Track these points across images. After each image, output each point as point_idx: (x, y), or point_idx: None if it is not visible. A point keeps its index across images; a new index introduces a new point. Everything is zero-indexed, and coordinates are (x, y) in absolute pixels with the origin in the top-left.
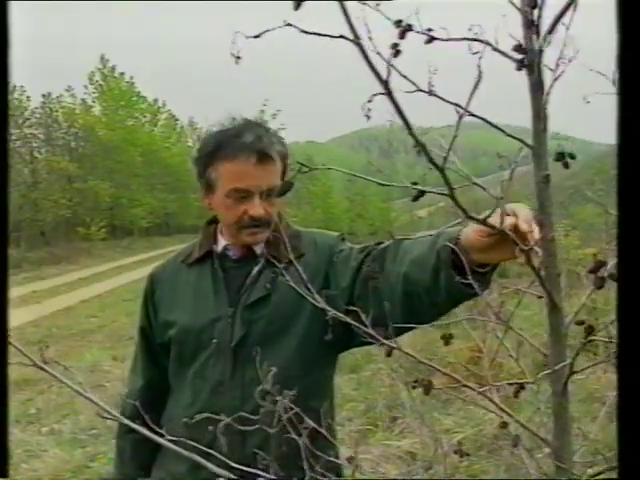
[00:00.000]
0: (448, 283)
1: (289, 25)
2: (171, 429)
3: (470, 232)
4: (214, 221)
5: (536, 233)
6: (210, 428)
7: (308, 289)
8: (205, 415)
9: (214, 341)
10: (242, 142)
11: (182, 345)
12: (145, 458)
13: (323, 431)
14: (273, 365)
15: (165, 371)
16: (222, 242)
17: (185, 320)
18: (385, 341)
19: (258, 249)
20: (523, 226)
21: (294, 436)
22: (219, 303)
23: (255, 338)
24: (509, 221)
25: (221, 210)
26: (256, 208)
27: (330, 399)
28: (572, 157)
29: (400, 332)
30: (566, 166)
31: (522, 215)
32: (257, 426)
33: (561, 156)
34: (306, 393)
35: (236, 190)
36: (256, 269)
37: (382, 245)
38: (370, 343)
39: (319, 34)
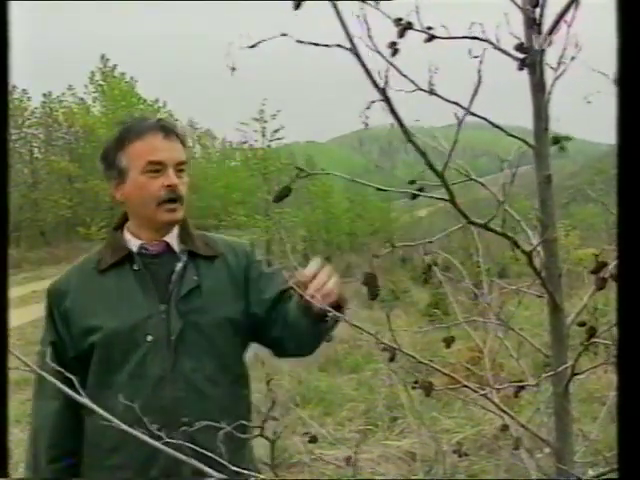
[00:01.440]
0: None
1: (284, 35)
2: (103, 442)
3: None
4: (119, 227)
5: (318, 281)
6: (155, 426)
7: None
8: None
9: (149, 338)
10: (146, 122)
11: (110, 349)
12: None
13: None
14: (211, 354)
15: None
16: (136, 242)
17: (112, 323)
18: (389, 343)
19: (175, 245)
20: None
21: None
22: (149, 301)
23: (191, 329)
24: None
25: (136, 193)
26: (172, 178)
27: (248, 387)
28: (568, 139)
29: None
30: (563, 149)
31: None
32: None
33: (556, 140)
34: (239, 381)
35: (151, 163)
36: (180, 264)
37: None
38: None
39: (315, 44)
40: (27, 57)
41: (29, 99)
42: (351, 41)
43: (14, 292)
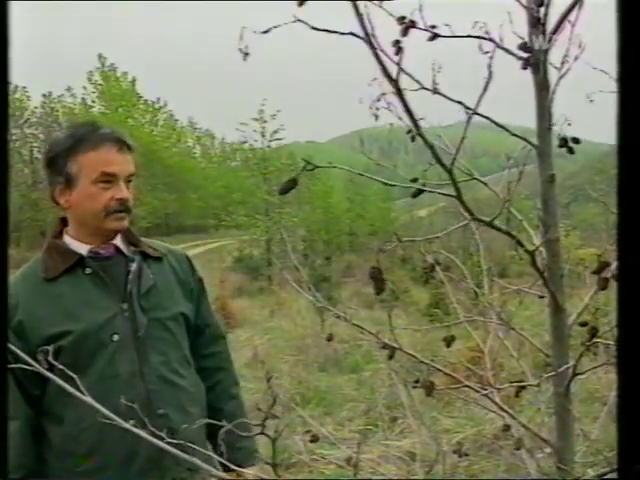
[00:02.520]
0: None
1: (299, 21)
2: (77, 448)
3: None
4: (59, 234)
5: None
6: (132, 422)
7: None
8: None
9: (115, 337)
10: (102, 133)
11: (77, 352)
12: None
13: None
14: (174, 347)
15: (38, 402)
16: (83, 246)
17: (80, 325)
18: (390, 342)
19: (123, 247)
20: None
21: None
22: (109, 301)
23: (155, 325)
24: None
25: (85, 202)
26: (123, 192)
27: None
28: (576, 142)
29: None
30: (570, 151)
31: None
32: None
33: (564, 141)
34: (194, 371)
35: (104, 174)
36: (135, 264)
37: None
38: None
39: (329, 31)
40: (27, 57)
41: (29, 99)
42: (365, 30)
43: None
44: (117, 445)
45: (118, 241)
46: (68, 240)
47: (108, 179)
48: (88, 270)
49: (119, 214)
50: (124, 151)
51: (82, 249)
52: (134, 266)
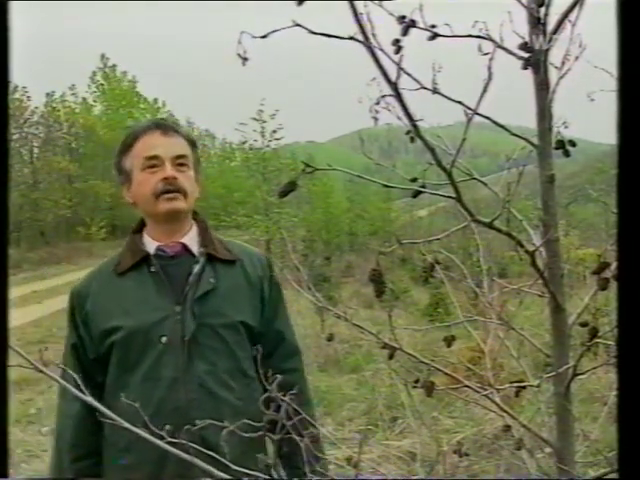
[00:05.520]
0: None
1: (298, 25)
2: (119, 441)
3: None
4: (138, 230)
5: None
6: (168, 427)
7: None
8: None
9: (164, 340)
10: (145, 124)
11: (127, 348)
12: None
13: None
14: (225, 356)
15: (99, 389)
16: (153, 244)
17: (131, 322)
18: (390, 342)
19: (193, 247)
20: None
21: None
22: (165, 302)
23: (205, 331)
24: None
25: (138, 191)
26: (167, 171)
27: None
28: (573, 145)
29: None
30: (567, 154)
31: None
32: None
33: (561, 144)
34: (252, 384)
35: (147, 159)
36: (198, 266)
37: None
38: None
39: (328, 35)
40: (27, 57)
41: (29, 99)
42: (364, 34)
43: (14, 292)
44: (151, 447)
45: (189, 239)
46: (144, 237)
47: (153, 163)
48: (152, 268)
49: (168, 194)
50: (170, 134)
51: (151, 247)
52: (196, 268)
